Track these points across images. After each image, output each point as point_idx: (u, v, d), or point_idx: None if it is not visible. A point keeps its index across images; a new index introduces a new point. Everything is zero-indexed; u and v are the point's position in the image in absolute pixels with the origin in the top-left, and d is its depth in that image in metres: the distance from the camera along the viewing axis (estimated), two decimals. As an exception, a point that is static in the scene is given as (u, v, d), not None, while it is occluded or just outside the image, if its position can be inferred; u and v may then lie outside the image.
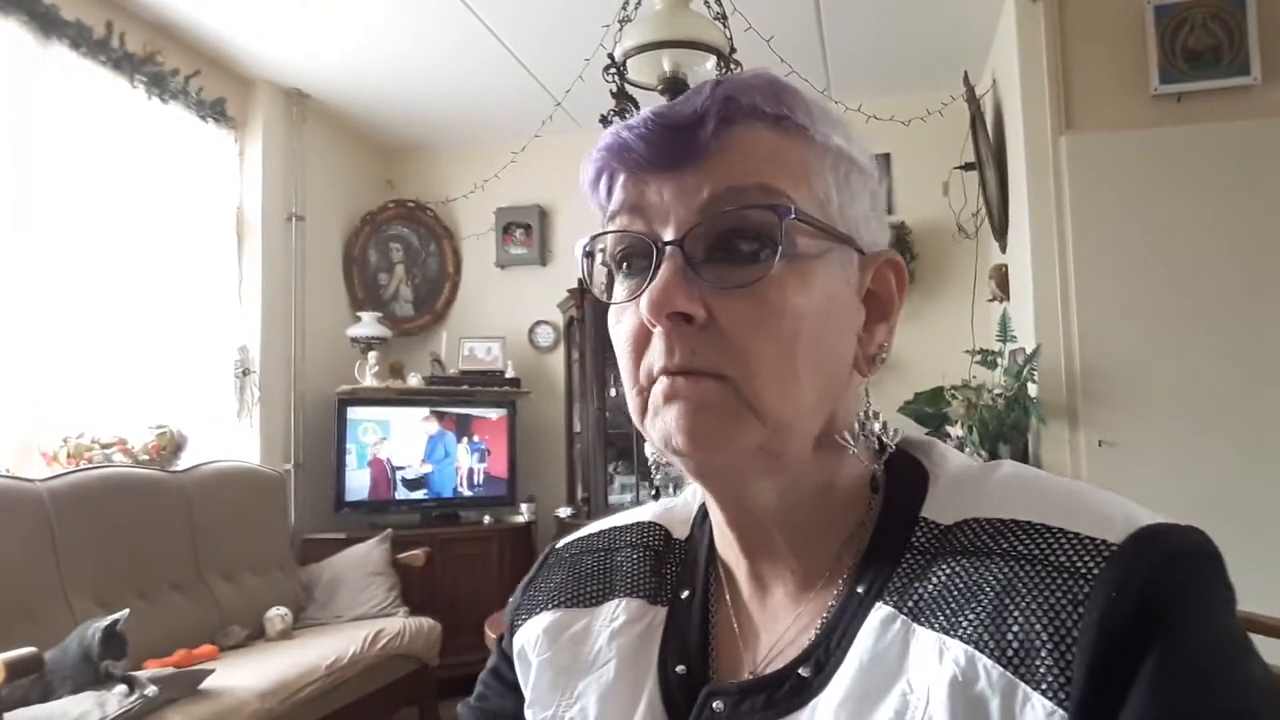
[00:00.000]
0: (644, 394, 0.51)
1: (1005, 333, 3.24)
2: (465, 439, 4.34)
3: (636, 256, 0.51)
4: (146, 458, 3.23)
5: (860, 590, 0.51)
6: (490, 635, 2.66)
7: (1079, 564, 0.44)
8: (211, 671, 2.43)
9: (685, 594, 0.60)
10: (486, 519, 4.29)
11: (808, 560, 0.55)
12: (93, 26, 3.09)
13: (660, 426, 0.50)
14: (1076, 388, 2.96)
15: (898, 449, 0.57)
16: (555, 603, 0.64)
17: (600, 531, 0.69)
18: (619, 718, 0.56)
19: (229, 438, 3.75)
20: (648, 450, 0.60)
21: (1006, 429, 3.05)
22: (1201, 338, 2.87)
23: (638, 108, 2.71)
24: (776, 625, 0.55)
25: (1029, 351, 3.04)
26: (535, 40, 3.69)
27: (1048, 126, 3.05)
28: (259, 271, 3.95)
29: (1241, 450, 2.79)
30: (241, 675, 2.53)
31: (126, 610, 2.33)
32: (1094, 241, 2.98)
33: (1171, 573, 0.42)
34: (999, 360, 3.25)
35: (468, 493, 4.33)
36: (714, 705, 0.53)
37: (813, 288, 0.49)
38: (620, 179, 0.51)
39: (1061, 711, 0.41)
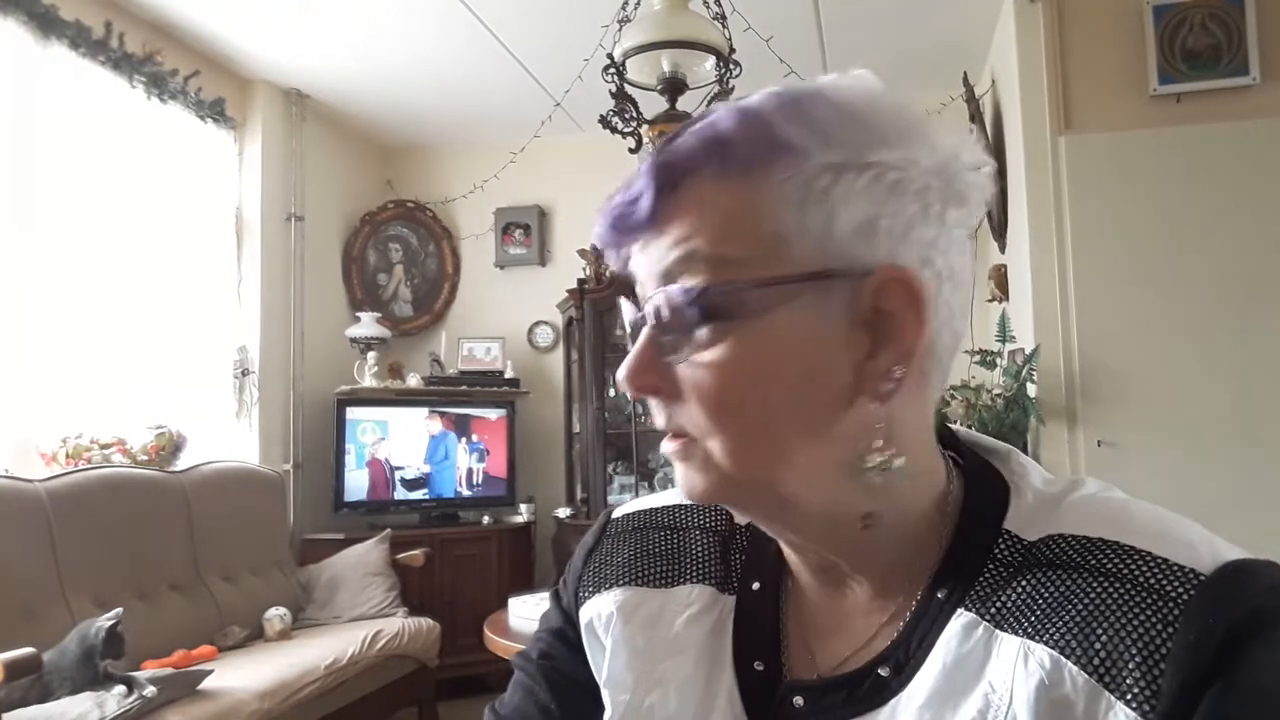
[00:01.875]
0: None
1: (1004, 333, 3.24)
2: (464, 439, 4.34)
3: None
4: (145, 458, 3.23)
5: (940, 596, 0.52)
6: (490, 635, 2.66)
7: (1168, 588, 0.45)
8: (210, 672, 2.43)
9: (756, 585, 0.60)
10: (485, 519, 4.28)
11: (875, 571, 0.55)
12: (92, 26, 3.09)
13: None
14: (1075, 388, 2.96)
15: (973, 453, 0.57)
16: (627, 579, 0.63)
17: (665, 507, 0.68)
18: (698, 710, 0.57)
19: (228, 438, 3.75)
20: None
21: (1005, 429, 3.05)
22: (1201, 338, 2.87)
23: (637, 108, 2.72)
24: (848, 626, 0.56)
25: (1028, 352, 3.05)
26: (534, 40, 3.69)
27: (1046, 127, 3.05)
28: (258, 272, 3.95)
29: (1241, 450, 2.79)
30: (240, 676, 2.53)
31: (120, 609, 2.33)
32: (1093, 242, 2.98)
33: (1259, 606, 0.44)
34: (998, 360, 3.25)
35: (467, 493, 4.33)
36: (794, 700, 0.54)
37: (766, 343, 0.48)
38: (610, 255, 0.55)
39: None
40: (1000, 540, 0.52)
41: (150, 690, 2.18)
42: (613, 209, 0.52)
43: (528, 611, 2.82)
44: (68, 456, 2.97)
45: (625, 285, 0.54)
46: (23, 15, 2.86)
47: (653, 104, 2.75)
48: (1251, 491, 2.73)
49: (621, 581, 0.63)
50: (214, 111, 3.70)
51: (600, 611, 0.63)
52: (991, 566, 0.51)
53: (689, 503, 0.66)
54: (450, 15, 3.45)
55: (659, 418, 0.53)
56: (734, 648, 0.58)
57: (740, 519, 0.62)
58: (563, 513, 4.32)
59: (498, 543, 4.16)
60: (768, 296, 0.47)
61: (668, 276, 0.49)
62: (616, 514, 0.70)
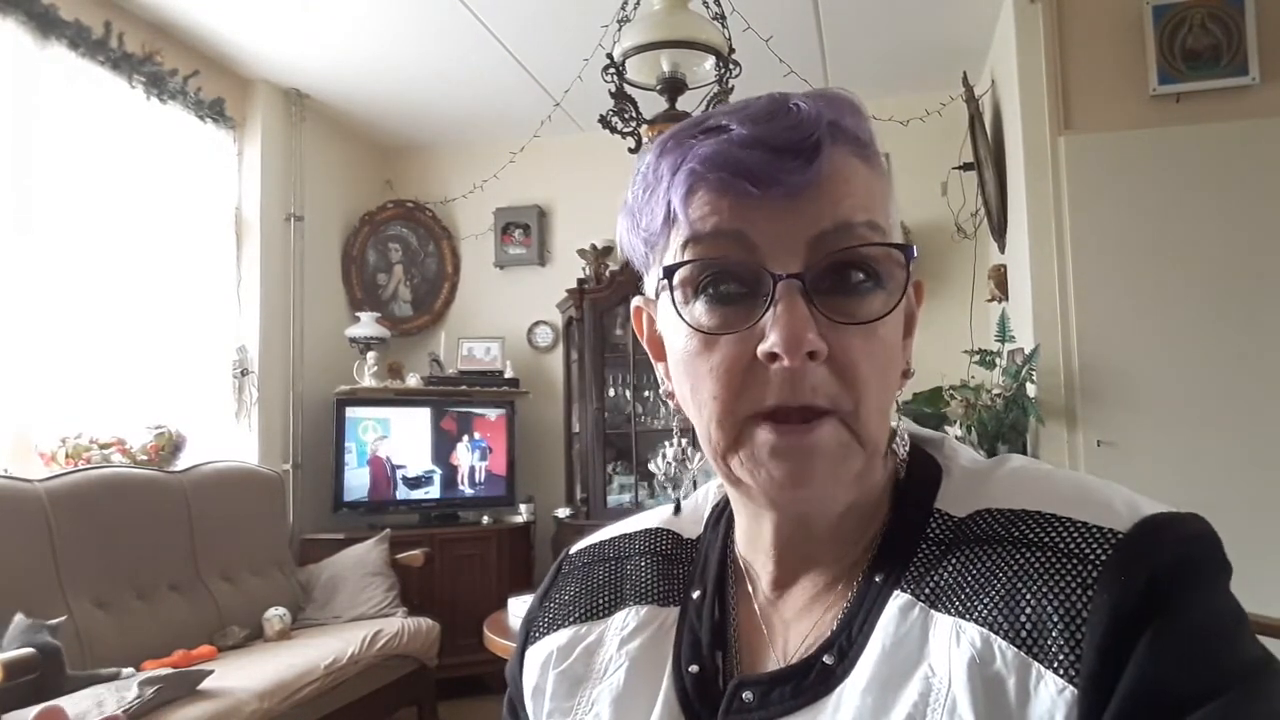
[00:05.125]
0: (736, 431, 0.50)
1: (1004, 333, 3.24)
2: (466, 436, 4.34)
3: (734, 283, 0.50)
4: (145, 458, 3.22)
5: (878, 580, 0.53)
6: (490, 635, 2.65)
7: (1087, 550, 0.46)
8: (210, 672, 2.43)
9: (697, 594, 0.61)
10: (485, 519, 4.28)
11: (839, 557, 0.57)
12: (91, 26, 3.09)
13: (764, 478, 0.50)
14: (1075, 388, 2.96)
15: (912, 444, 0.60)
16: (570, 619, 0.65)
17: (611, 539, 0.70)
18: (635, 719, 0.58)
19: (227, 438, 3.75)
20: (667, 459, 0.62)
21: (1005, 429, 3.05)
22: (1200, 337, 2.87)
23: (636, 108, 2.71)
24: (801, 618, 0.57)
25: (1027, 352, 3.05)
26: (534, 40, 3.69)
27: (1046, 127, 3.05)
28: (258, 271, 3.95)
29: (1240, 449, 2.79)
30: (240, 676, 2.53)
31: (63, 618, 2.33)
32: (1093, 242, 2.98)
33: (1175, 557, 0.45)
34: (997, 360, 3.26)
35: (469, 491, 4.33)
36: (744, 695, 0.55)
37: (898, 318, 0.53)
38: (721, 199, 0.49)
39: (1072, 688, 0.43)
40: (932, 519, 0.54)
41: (150, 690, 2.18)
42: (768, 152, 0.48)
43: (527, 611, 2.82)
44: (67, 456, 2.97)
45: (732, 241, 0.49)
46: (22, 15, 2.86)
47: (652, 104, 2.75)
48: (1251, 490, 2.73)
49: (566, 622, 0.65)
50: (213, 111, 3.70)
51: (541, 654, 0.64)
52: (925, 546, 0.53)
53: (634, 530, 0.69)
54: (450, 15, 3.45)
55: (797, 393, 0.48)
56: (674, 655, 0.59)
57: (721, 493, 0.66)
58: (562, 513, 4.32)
59: (497, 543, 4.16)
60: (903, 277, 0.52)
61: (835, 236, 0.48)
62: (572, 551, 0.71)
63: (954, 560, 0.51)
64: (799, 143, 0.48)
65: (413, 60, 3.88)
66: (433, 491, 4.26)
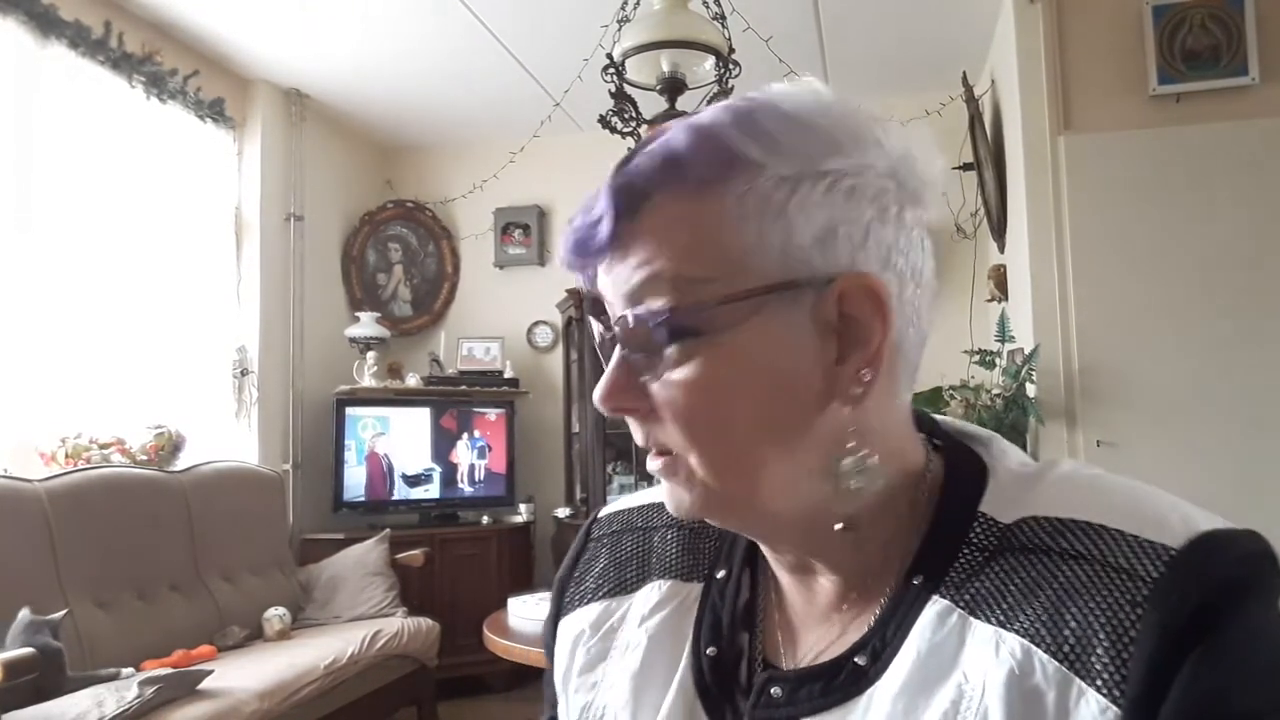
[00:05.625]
0: None
1: (1004, 333, 3.25)
2: (466, 434, 4.33)
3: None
4: (145, 458, 3.22)
5: (916, 583, 0.52)
6: (490, 635, 2.65)
7: (1138, 566, 0.45)
8: (210, 672, 2.43)
9: (722, 573, 0.61)
10: (485, 519, 4.28)
11: (851, 567, 0.55)
12: (91, 26, 3.09)
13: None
14: (1075, 388, 2.96)
15: (956, 441, 0.58)
16: (600, 593, 0.66)
17: (640, 507, 0.69)
18: (651, 699, 0.58)
19: (227, 438, 3.75)
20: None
21: (1005, 429, 3.05)
22: (1200, 337, 2.87)
23: (636, 108, 2.72)
24: (825, 618, 0.56)
25: (1027, 352, 3.05)
26: (534, 40, 3.69)
27: (1046, 127, 3.05)
28: (257, 271, 3.95)
29: (1241, 450, 2.79)
30: (240, 675, 2.53)
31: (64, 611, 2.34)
32: (1092, 242, 2.98)
33: (1230, 577, 0.44)
34: (997, 360, 3.26)
35: (468, 490, 4.33)
36: (772, 691, 0.54)
37: (735, 357, 0.49)
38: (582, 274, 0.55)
39: (1115, 708, 0.42)
40: (976, 524, 0.52)
41: (150, 690, 2.18)
42: (574, 232, 0.52)
43: (527, 611, 2.82)
44: (67, 456, 2.97)
45: (595, 304, 0.54)
46: (22, 15, 2.86)
47: (652, 104, 2.75)
48: (1252, 491, 2.73)
49: (597, 596, 0.66)
50: (213, 111, 3.70)
51: (574, 629, 0.65)
52: (967, 551, 0.51)
53: (663, 500, 0.68)
54: (450, 15, 3.45)
55: (639, 436, 0.53)
56: (694, 635, 0.59)
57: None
58: (562, 512, 4.32)
59: (497, 543, 4.16)
60: (733, 312, 0.48)
61: (633, 298, 0.50)
62: (601, 515, 0.72)
63: (997, 568, 0.49)
64: (592, 221, 0.51)
65: (413, 60, 3.88)
66: (432, 490, 4.26)
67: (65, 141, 3.06)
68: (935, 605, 0.50)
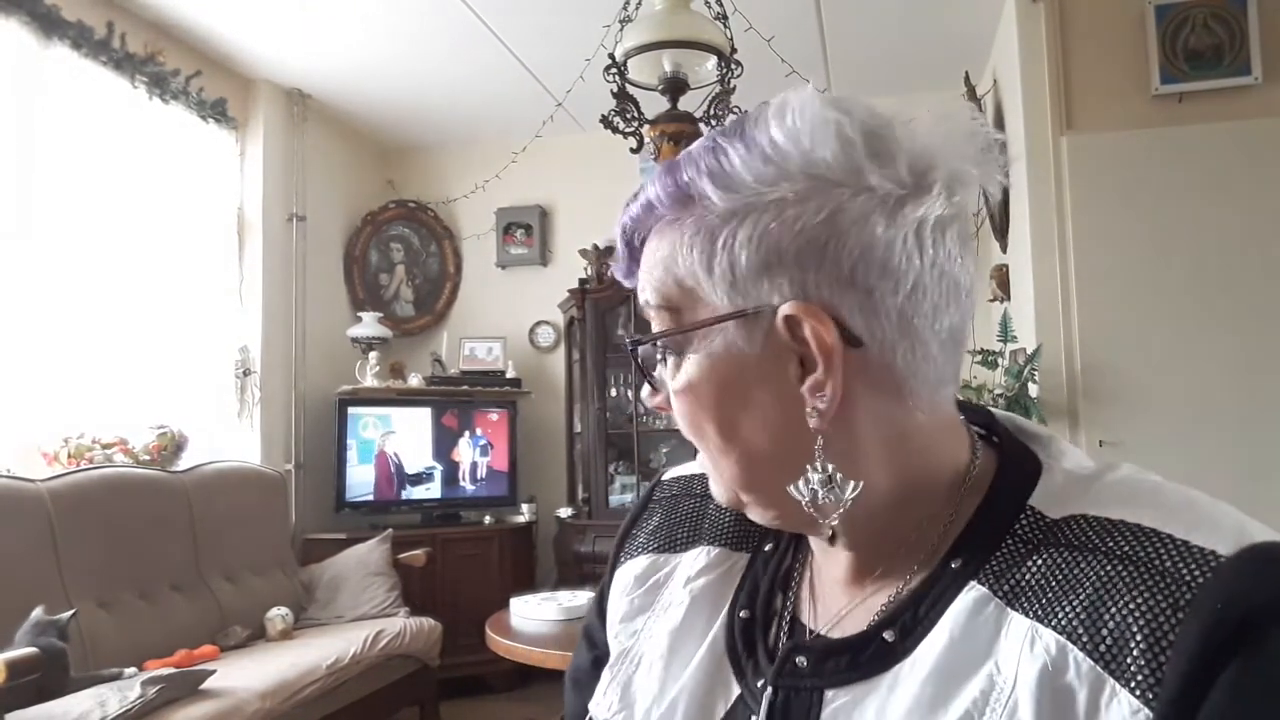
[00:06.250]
0: None
1: (1006, 333, 3.24)
2: (468, 432, 4.34)
3: None
4: (147, 458, 3.23)
5: (954, 566, 0.52)
6: (492, 635, 2.66)
7: (1183, 570, 0.44)
8: (212, 672, 2.43)
9: (769, 546, 0.64)
10: (487, 519, 4.29)
11: (877, 544, 0.56)
12: (93, 27, 3.10)
13: None
14: (1077, 388, 2.96)
15: (1013, 437, 0.58)
16: (650, 548, 0.69)
17: (701, 475, 0.70)
18: (684, 655, 0.61)
19: (230, 438, 3.75)
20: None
21: (1007, 429, 3.05)
22: (1203, 337, 2.87)
23: (638, 108, 2.71)
24: (850, 580, 0.58)
25: (1029, 352, 3.04)
26: (536, 40, 3.69)
27: (1048, 126, 3.05)
28: (260, 272, 3.95)
29: (1244, 450, 2.79)
30: (242, 675, 2.53)
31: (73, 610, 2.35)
32: (1095, 241, 2.98)
33: (1277, 591, 0.42)
34: (999, 360, 3.25)
35: (470, 488, 4.33)
36: (797, 660, 0.55)
37: (705, 376, 0.53)
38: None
39: (1148, 711, 0.42)
40: (1023, 516, 0.52)
41: (152, 690, 2.18)
42: (614, 260, 0.60)
43: (529, 611, 2.82)
44: (70, 456, 2.97)
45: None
46: (25, 16, 2.86)
47: (654, 104, 2.75)
48: (1255, 491, 2.72)
49: (647, 550, 0.70)
50: (215, 112, 3.71)
51: (626, 577, 0.69)
52: (1010, 542, 0.51)
53: None
54: (452, 15, 3.45)
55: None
56: (732, 599, 0.62)
57: None
58: (564, 513, 4.32)
59: (499, 543, 4.16)
60: (697, 338, 0.53)
61: (643, 321, 0.57)
62: (665, 477, 0.75)
63: (1039, 561, 0.49)
64: (621, 241, 0.58)
65: (414, 60, 3.88)
66: (434, 489, 4.26)
67: (68, 142, 3.06)
68: (973, 591, 0.50)
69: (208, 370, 3.69)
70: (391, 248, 4.82)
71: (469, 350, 4.56)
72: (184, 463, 3.35)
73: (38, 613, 2.25)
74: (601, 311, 4.30)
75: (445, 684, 3.62)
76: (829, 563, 0.59)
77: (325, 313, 4.41)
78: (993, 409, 0.61)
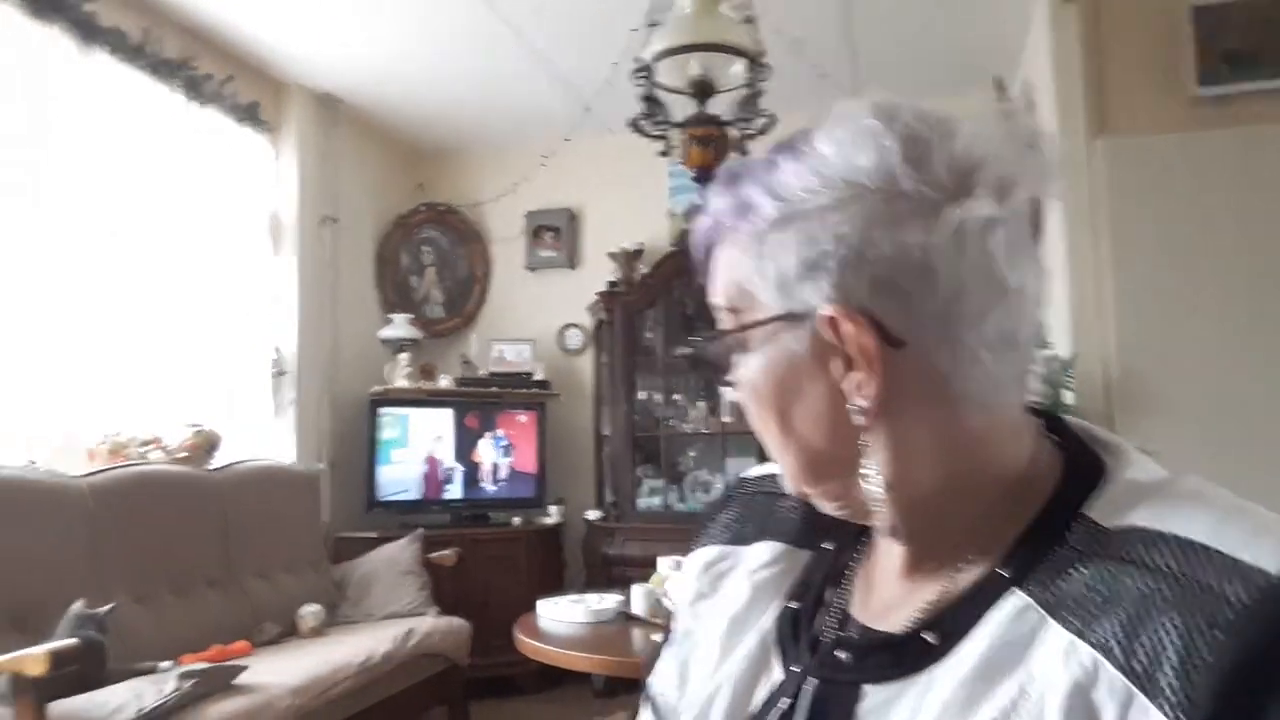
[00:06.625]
0: None
1: (1040, 340, 3.20)
2: (489, 433, 4.36)
3: None
4: (184, 455, 3.28)
5: (1002, 570, 0.52)
6: (520, 636, 2.67)
7: (1226, 588, 0.43)
8: (245, 668, 2.47)
9: (830, 545, 0.66)
10: (515, 520, 4.31)
11: (930, 539, 0.57)
12: (129, 33, 3.16)
13: None
14: (1114, 396, 2.91)
15: (1082, 443, 0.57)
16: (722, 539, 0.73)
17: (778, 475, 0.71)
18: (738, 640, 0.65)
19: (263, 437, 3.81)
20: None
21: (1039, 434, 3.01)
22: (1245, 346, 2.81)
23: (667, 111, 2.72)
24: (900, 574, 0.59)
25: (1064, 359, 3.00)
26: (564, 44, 3.71)
27: (1082, 129, 3.01)
28: (294, 273, 4.00)
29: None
30: (274, 671, 2.56)
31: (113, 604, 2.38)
32: (1132, 247, 2.93)
33: None
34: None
35: (491, 489, 4.35)
36: (839, 655, 0.58)
37: (761, 374, 0.57)
38: None
39: None
40: (1077, 523, 0.51)
41: (186, 684, 2.22)
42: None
43: (557, 613, 2.83)
44: (110, 453, 3.03)
45: None
46: (64, 22, 2.92)
47: (683, 107, 2.75)
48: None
49: (717, 540, 0.73)
50: (249, 115, 3.77)
51: (699, 562, 0.73)
52: (1060, 549, 0.51)
53: None
54: (480, 20, 3.47)
55: None
56: (787, 594, 0.65)
57: None
58: (592, 515, 4.33)
59: (526, 544, 4.18)
60: (755, 338, 0.56)
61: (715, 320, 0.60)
62: (748, 474, 0.78)
63: (1086, 572, 0.48)
64: (696, 245, 0.61)
65: (444, 65, 3.92)
66: (454, 490, 4.29)
67: (108, 145, 3.12)
68: (1015, 598, 0.50)
69: (243, 370, 3.75)
70: (422, 250, 4.86)
71: (498, 352, 4.59)
72: (217, 461, 3.40)
73: (78, 606, 2.30)
74: (630, 314, 4.31)
75: (474, 684, 3.64)
76: (888, 554, 0.61)
77: (357, 314, 4.45)
78: (1066, 416, 0.60)
